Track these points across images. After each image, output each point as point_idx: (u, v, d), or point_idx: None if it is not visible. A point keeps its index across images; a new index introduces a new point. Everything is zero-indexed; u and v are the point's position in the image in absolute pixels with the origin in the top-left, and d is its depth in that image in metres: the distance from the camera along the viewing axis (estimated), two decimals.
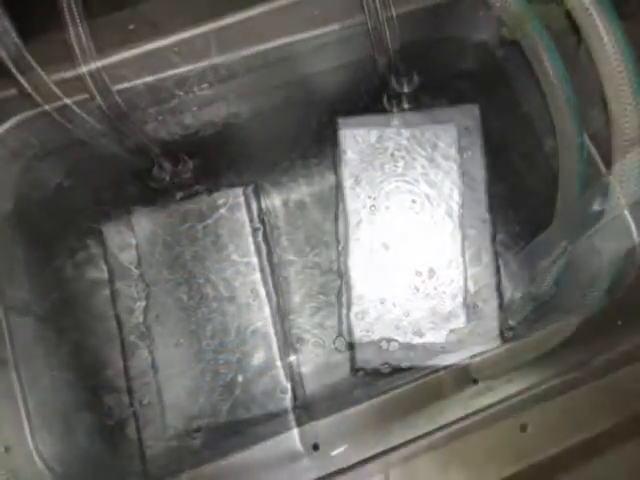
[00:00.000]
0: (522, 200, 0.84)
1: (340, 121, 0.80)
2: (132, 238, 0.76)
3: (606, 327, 0.64)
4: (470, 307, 0.75)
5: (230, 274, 0.75)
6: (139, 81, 0.73)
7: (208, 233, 0.76)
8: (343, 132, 0.80)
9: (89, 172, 0.80)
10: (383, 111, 0.81)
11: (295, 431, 0.69)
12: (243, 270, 0.75)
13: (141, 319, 0.75)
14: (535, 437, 0.57)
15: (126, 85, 0.73)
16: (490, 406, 0.59)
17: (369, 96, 0.83)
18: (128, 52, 0.71)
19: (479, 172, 0.78)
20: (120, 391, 0.77)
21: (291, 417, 0.71)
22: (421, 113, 0.80)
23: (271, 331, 0.74)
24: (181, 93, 0.77)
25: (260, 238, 0.78)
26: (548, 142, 0.78)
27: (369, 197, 0.78)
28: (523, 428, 0.57)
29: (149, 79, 0.73)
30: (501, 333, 0.74)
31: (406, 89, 0.79)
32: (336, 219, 0.80)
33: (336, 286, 0.80)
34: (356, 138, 0.79)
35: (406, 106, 0.82)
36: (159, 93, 0.76)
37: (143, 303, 0.75)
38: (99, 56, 0.69)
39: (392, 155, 0.79)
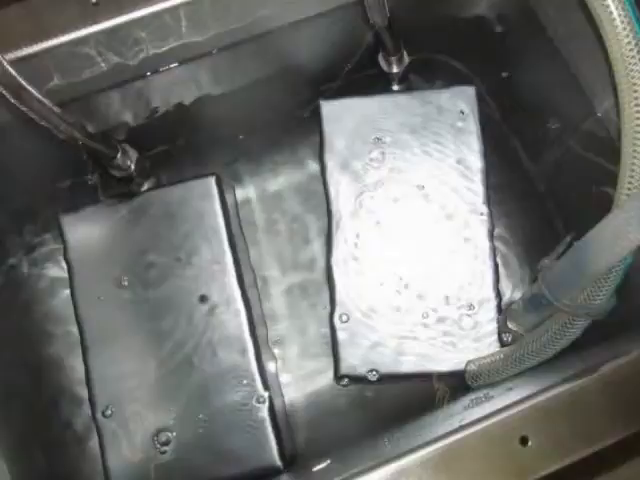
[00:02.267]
0: (523, 191, 0.82)
1: (323, 103, 0.78)
2: (92, 232, 0.74)
3: (615, 331, 0.62)
4: (466, 308, 0.73)
5: (201, 273, 0.73)
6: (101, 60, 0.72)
7: (176, 227, 0.73)
8: (326, 115, 0.78)
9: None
10: (370, 93, 0.79)
11: (273, 444, 0.68)
12: (216, 269, 0.73)
13: (103, 323, 0.72)
14: (537, 451, 0.55)
15: (87, 64, 0.71)
16: (487, 417, 0.56)
17: (355, 76, 0.82)
18: (90, 28, 0.69)
19: (476, 160, 0.76)
20: (81, 401, 0.75)
21: (269, 429, 0.69)
22: (412, 95, 0.78)
23: (247, 335, 0.71)
24: (148, 73, 0.76)
25: (234, 233, 0.75)
26: (552, 127, 0.77)
27: (355, 187, 0.76)
28: (523, 441, 0.55)
29: (113, 58, 0.72)
30: (499, 337, 0.72)
31: (395, 69, 0.78)
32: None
33: (319, 286, 0.78)
34: (340, 122, 0.77)
35: (395, 87, 0.80)
36: (124, 73, 0.74)
37: (105, 305, 0.72)
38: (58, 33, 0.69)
39: (381, 141, 0.77)
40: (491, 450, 0.55)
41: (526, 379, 0.65)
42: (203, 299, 0.72)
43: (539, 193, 0.81)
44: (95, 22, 0.69)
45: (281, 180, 0.82)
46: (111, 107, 0.78)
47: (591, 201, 0.72)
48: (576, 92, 0.74)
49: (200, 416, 0.70)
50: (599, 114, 0.72)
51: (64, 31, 0.69)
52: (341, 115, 0.78)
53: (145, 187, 0.78)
